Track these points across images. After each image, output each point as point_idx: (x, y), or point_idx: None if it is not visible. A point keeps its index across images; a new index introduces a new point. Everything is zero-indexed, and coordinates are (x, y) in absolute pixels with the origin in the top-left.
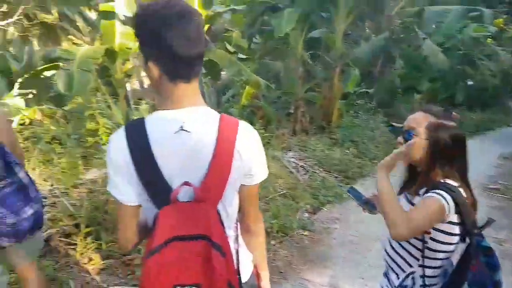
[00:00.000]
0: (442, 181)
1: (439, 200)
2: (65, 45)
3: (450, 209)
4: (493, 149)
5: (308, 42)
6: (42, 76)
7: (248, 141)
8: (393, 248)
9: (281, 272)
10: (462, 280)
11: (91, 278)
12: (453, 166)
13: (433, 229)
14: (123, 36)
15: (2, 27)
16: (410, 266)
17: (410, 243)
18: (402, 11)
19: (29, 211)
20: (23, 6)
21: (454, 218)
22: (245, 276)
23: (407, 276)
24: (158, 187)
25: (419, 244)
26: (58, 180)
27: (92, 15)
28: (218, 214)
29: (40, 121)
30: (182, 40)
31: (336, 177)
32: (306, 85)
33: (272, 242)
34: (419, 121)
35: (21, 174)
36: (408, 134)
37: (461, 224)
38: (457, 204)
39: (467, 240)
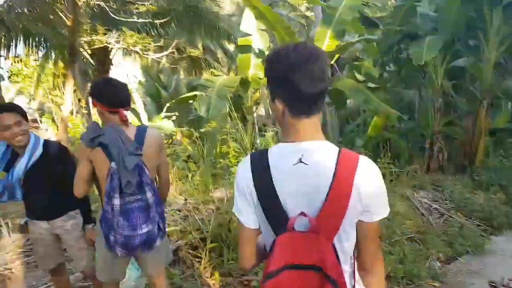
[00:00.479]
0: None
1: None
2: (205, 75)
3: None
4: None
5: (449, 71)
6: (185, 102)
7: (368, 176)
8: None
9: None
10: None
11: None
12: None
13: None
14: (256, 67)
15: (157, 59)
16: None
17: None
18: None
19: (144, 229)
20: (176, 41)
21: None
22: None
23: None
24: (276, 214)
25: None
26: (191, 195)
27: (230, 47)
28: (334, 247)
29: (180, 141)
30: (306, 80)
31: (478, 225)
32: (444, 118)
33: None
34: None
35: (148, 194)
36: None
37: None
38: None
39: None
